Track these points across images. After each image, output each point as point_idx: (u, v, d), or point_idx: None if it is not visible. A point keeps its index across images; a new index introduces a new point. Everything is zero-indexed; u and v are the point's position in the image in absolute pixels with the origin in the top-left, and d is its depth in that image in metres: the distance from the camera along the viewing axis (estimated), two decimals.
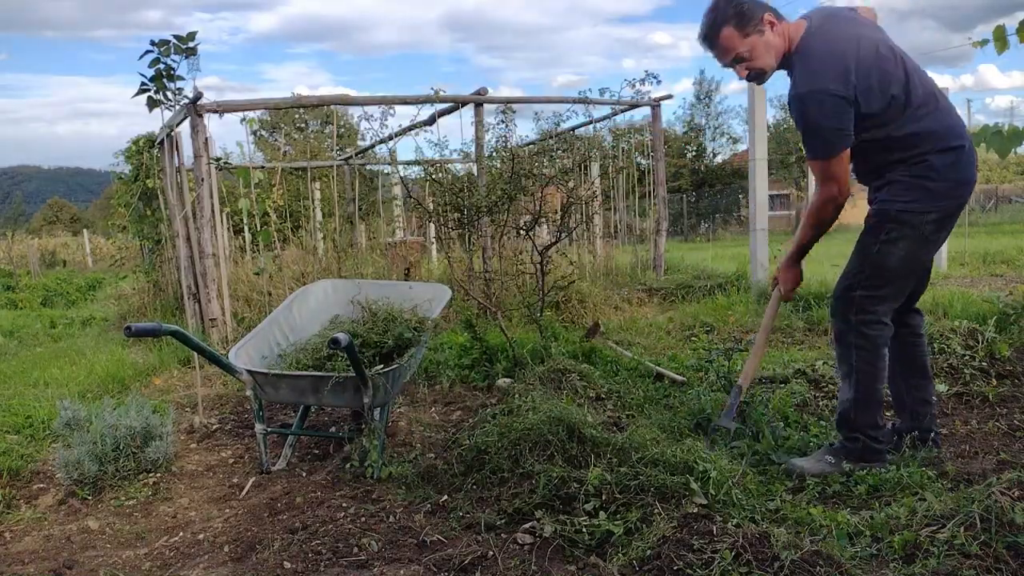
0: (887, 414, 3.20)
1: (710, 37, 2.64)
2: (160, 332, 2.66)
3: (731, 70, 2.68)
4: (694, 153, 38.40)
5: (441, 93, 6.15)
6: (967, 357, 3.81)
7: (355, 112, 7.46)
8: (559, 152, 6.24)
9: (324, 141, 31.95)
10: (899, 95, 2.49)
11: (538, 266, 4.70)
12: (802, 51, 2.56)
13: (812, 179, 3.13)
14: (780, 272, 3.00)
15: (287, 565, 2.21)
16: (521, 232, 4.99)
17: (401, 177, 6.22)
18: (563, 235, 5.05)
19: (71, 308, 11.03)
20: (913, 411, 2.84)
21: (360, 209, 9.25)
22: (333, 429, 3.75)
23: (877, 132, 2.53)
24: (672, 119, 40.02)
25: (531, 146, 6.43)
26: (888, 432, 2.79)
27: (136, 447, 3.11)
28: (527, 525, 2.31)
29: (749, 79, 2.69)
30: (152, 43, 4.51)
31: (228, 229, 8.19)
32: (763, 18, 2.56)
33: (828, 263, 6.64)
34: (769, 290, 3.14)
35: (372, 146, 8.60)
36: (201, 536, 2.58)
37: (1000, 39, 3.54)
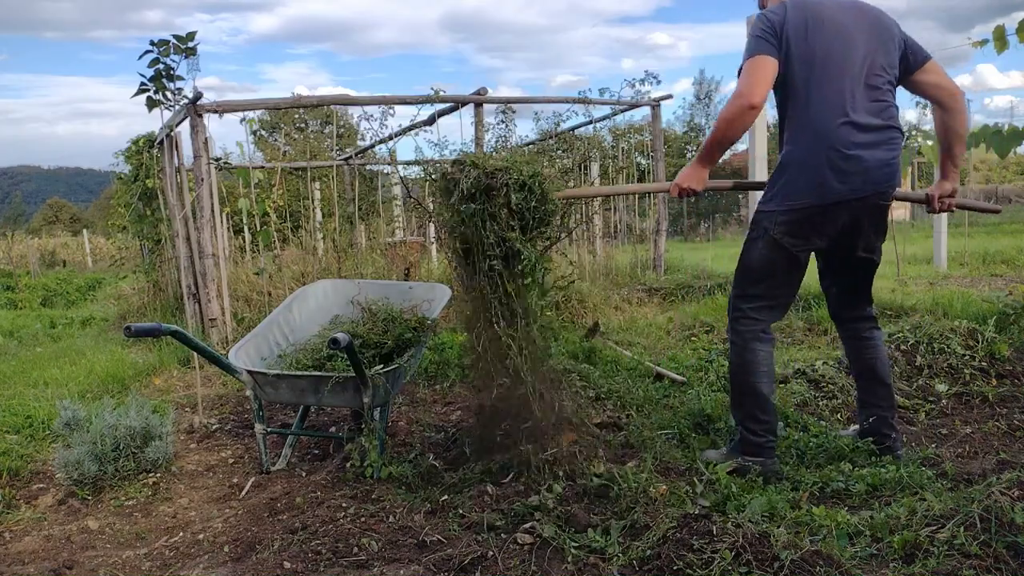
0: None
1: None
2: (160, 332, 2.66)
3: None
4: (694, 153, 38.42)
5: (441, 93, 6.15)
6: (967, 357, 3.81)
7: (355, 112, 7.46)
8: (559, 152, 6.24)
9: (324, 141, 31.92)
10: (798, 63, 2.52)
11: None
12: None
13: None
14: (684, 169, 2.79)
15: (287, 565, 2.21)
16: None
17: (401, 177, 6.23)
18: (563, 235, 5.05)
19: (71, 308, 11.02)
20: (861, 412, 2.90)
21: (360, 209, 9.23)
22: (333, 429, 3.75)
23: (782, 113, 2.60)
24: (672, 119, 40.03)
25: (531, 146, 6.44)
26: (773, 426, 2.72)
27: (136, 447, 3.11)
28: (527, 525, 2.31)
29: None
30: (152, 43, 4.52)
31: (228, 229, 8.18)
32: None
33: None
34: None
35: (372, 146, 8.60)
36: (201, 536, 2.58)
37: (1000, 39, 3.54)
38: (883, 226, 2.68)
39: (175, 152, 6.01)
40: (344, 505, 2.66)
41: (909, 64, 2.64)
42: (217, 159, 6.22)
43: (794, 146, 2.56)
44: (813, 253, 2.73)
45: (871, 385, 2.84)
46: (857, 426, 2.96)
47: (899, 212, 20.65)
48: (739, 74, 2.59)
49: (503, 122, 5.26)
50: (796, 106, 2.57)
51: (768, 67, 2.51)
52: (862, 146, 2.48)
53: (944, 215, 8.41)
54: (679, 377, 4.00)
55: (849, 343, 2.89)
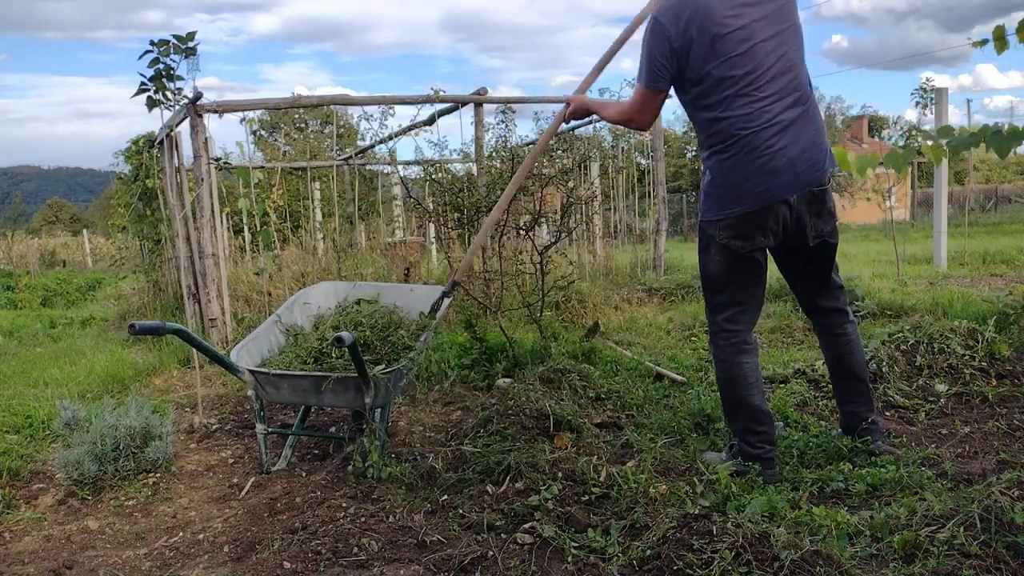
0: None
1: None
2: (164, 331, 2.66)
3: None
4: (694, 153, 38.43)
5: (441, 93, 6.15)
6: (967, 357, 3.81)
7: (355, 112, 7.46)
8: (559, 152, 6.23)
9: (324, 141, 31.94)
10: (711, 74, 2.50)
11: (538, 266, 4.70)
12: None
13: None
14: (578, 98, 3.05)
15: (287, 565, 2.21)
16: (521, 232, 4.99)
17: (401, 177, 6.24)
18: (563, 235, 5.06)
19: (71, 308, 11.02)
20: (840, 410, 2.90)
21: (360, 209, 9.24)
22: (333, 429, 3.75)
23: (697, 119, 2.62)
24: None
25: (531, 146, 6.43)
26: (770, 436, 2.71)
27: (136, 447, 3.11)
28: (527, 525, 2.31)
29: None
30: (152, 43, 4.50)
31: (228, 229, 8.18)
32: None
33: None
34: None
35: (372, 146, 8.60)
36: (201, 536, 2.58)
37: (1000, 39, 3.53)
38: (827, 209, 2.63)
39: (175, 152, 6.01)
40: (344, 505, 2.66)
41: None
42: (217, 159, 6.22)
43: (720, 155, 2.54)
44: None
45: (847, 382, 2.83)
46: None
47: (898, 212, 20.65)
48: (637, 79, 2.67)
49: (503, 122, 5.27)
50: (713, 117, 2.54)
51: (659, 100, 2.66)
52: (786, 138, 2.47)
53: (944, 213, 8.42)
54: (679, 377, 4.00)
55: (824, 339, 2.87)
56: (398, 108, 6.19)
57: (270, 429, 3.26)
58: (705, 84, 2.53)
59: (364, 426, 3.09)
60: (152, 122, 21.88)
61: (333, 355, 3.27)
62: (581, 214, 7.67)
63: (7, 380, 5.02)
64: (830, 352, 2.86)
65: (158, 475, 3.13)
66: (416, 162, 5.77)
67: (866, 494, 2.42)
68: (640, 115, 2.71)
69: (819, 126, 2.58)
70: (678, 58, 2.53)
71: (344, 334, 2.52)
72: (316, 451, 3.46)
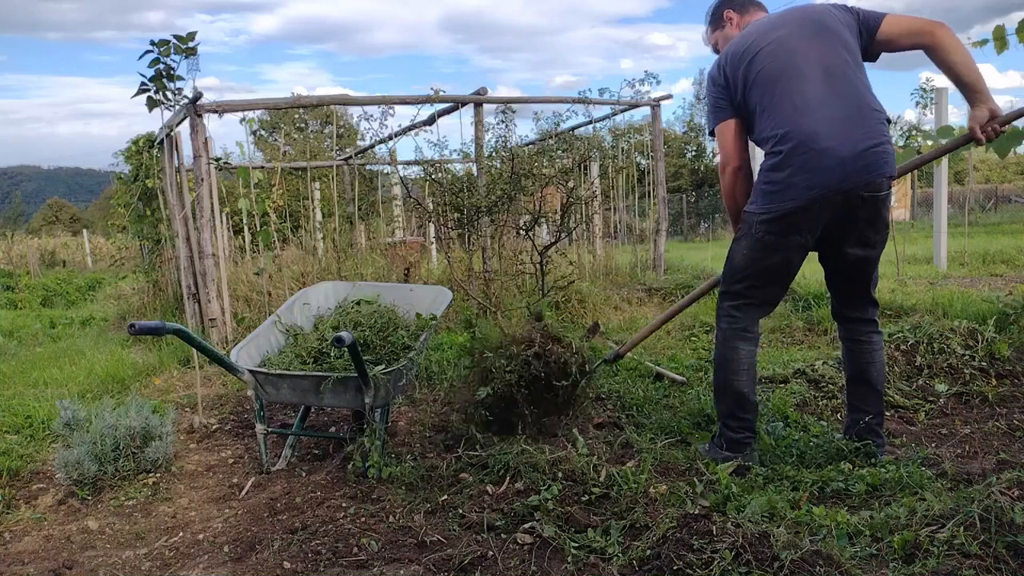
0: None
1: (705, 35, 3.11)
2: (163, 331, 2.65)
3: None
4: (694, 153, 38.45)
5: (441, 93, 6.15)
6: (967, 357, 3.81)
7: (355, 112, 7.46)
8: (559, 152, 6.23)
9: (324, 141, 31.95)
10: (751, 94, 2.63)
11: (538, 266, 4.70)
12: None
13: None
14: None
15: (287, 565, 2.21)
16: (521, 232, 4.99)
17: (401, 177, 6.24)
18: (563, 235, 5.05)
19: (71, 308, 11.02)
20: (848, 414, 2.90)
21: (360, 209, 9.24)
22: (333, 429, 3.75)
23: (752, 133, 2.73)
24: (672, 119, 40.15)
25: (531, 146, 6.43)
26: (751, 423, 2.77)
27: (136, 447, 3.11)
28: (527, 525, 2.31)
29: None
30: (152, 43, 4.50)
31: (228, 229, 8.18)
32: (724, 15, 2.97)
33: None
34: None
35: (372, 146, 8.59)
36: (201, 536, 2.58)
37: (999, 39, 3.54)
38: (878, 220, 2.61)
39: (175, 152, 6.01)
40: (344, 505, 2.66)
41: (869, 30, 2.62)
42: (217, 159, 6.21)
43: (772, 154, 2.59)
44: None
45: (861, 389, 2.82)
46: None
47: (898, 212, 20.65)
48: (711, 135, 2.84)
49: (503, 122, 5.26)
50: (763, 124, 2.62)
51: (731, 129, 2.73)
52: (834, 139, 2.47)
53: (944, 213, 8.42)
54: (679, 377, 4.00)
55: (846, 344, 2.86)
56: (398, 108, 6.20)
57: (270, 429, 3.26)
58: (751, 100, 2.63)
59: (364, 426, 3.09)
60: (152, 122, 21.92)
61: (333, 355, 3.27)
62: (581, 214, 7.67)
63: (7, 380, 5.02)
64: (850, 358, 2.85)
65: (158, 475, 3.13)
66: (416, 162, 5.77)
67: (866, 494, 2.42)
68: (725, 153, 2.76)
69: (875, 131, 2.52)
70: (729, 92, 2.71)
71: (344, 334, 2.52)
72: (316, 451, 3.46)
